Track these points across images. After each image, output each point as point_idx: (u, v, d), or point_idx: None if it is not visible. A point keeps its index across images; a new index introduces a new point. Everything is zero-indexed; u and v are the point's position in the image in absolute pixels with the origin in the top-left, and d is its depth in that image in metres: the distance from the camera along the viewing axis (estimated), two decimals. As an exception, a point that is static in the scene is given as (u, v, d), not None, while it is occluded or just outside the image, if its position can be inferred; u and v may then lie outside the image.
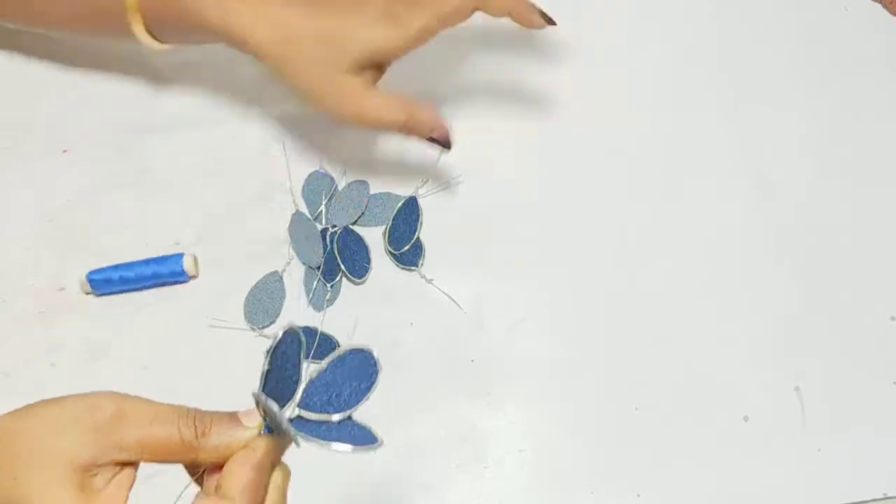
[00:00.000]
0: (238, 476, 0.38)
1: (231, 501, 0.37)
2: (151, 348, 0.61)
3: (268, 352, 0.39)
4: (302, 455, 0.58)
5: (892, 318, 0.64)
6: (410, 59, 0.70)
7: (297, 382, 0.40)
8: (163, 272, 0.62)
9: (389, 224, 0.65)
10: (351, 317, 0.62)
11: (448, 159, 0.67)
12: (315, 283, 0.63)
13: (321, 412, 0.40)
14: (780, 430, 0.60)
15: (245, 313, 0.62)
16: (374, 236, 0.65)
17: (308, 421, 0.40)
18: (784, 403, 0.61)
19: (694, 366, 0.62)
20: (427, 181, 0.66)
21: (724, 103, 0.71)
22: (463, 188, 0.67)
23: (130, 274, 0.62)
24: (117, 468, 0.38)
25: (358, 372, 0.42)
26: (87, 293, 0.63)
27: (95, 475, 0.37)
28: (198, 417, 0.39)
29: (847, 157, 0.70)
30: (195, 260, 0.63)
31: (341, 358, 0.41)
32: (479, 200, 0.67)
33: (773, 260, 0.66)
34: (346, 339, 0.62)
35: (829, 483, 0.59)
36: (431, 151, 0.65)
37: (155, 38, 0.61)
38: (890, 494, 0.59)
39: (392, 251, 0.64)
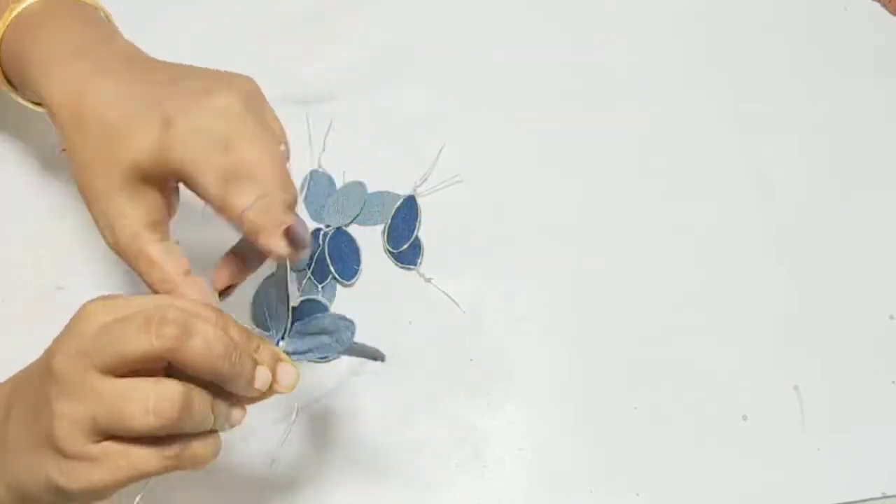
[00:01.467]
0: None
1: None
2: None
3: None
4: (301, 455, 0.59)
5: (891, 318, 0.64)
6: (410, 57, 0.71)
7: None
8: None
9: (388, 223, 0.65)
10: (349, 316, 0.62)
11: (447, 158, 0.67)
12: (304, 282, 0.63)
13: None
14: (779, 430, 0.60)
15: (253, 318, 0.62)
16: (372, 235, 0.65)
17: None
18: (783, 402, 0.61)
19: (693, 365, 0.62)
20: (426, 180, 0.66)
21: (724, 103, 0.71)
22: (462, 187, 0.67)
23: None
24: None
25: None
26: None
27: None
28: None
29: (846, 157, 0.70)
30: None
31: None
32: (478, 199, 0.66)
33: (772, 259, 0.66)
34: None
35: (827, 482, 0.59)
36: (430, 150, 0.66)
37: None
38: (889, 493, 0.59)
39: (391, 250, 0.64)
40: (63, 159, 0.67)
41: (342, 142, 0.68)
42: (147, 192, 0.47)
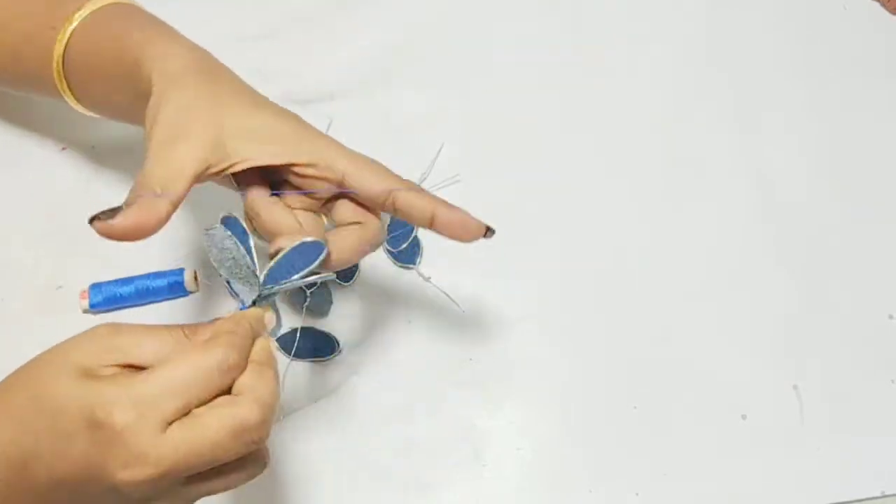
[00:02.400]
0: (219, 327, 0.42)
1: (215, 340, 0.41)
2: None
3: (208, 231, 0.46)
4: (299, 454, 0.59)
5: (891, 317, 0.64)
6: (409, 57, 0.71)
7: (252, 265, 0.47)
8: (161, 288, 0.62)
9: (387, 222, 0.65)
10: (348, 315, 0.62)
11: (446, 158, 0.67)
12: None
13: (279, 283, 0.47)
14: (778, 429, 0.60)
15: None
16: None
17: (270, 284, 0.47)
18: (782, 402, 0.61)
19: (692, 364, 0.62)
20: (425, 179, 0.66)
21: (724, 103, 0.71)
22: (461, 186, 0.67)
23: (131, 291, 0.62)
24: (121, 370, 0.40)
25: (307, 254, 0.47)
26: (85, 311, 0.62)
27: (102, 374, 0.39)
28: (185, 327, 0.42)
29: (846, 157, 0.70)
30: (195, 275, 0.63)
31: (293, 249, 0.47)
32: (477, 199, 0.66)
33: (771, 259, 0.66)
34: (345, 339, 0.62)
35: (827, 481, 0.59)
36: (429, 150, 0.66)
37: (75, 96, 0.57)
38: (888, 492, 0.59)
39: (390, 249, 0.64)
40: (63, 156, 0.67)
41: (342, 141, 0.67)
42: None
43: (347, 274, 0.63)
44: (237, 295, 0.47)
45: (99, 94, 0.56)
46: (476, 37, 0.72)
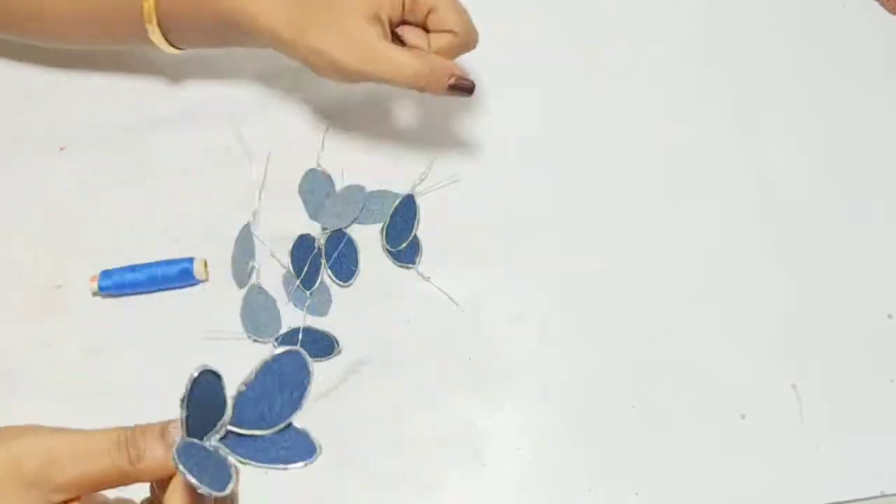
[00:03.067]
0: (174, 500, 0.37)
1: None
2: (148, 348, 0.61)
3: (182, 400, 0.36)
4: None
5: (890, 316, 0.64)
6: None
7: (223, 406, 0.38)
8: (172, 276, 0.62)
9: (387, 222, 0.65)
10: (347, 315, 0.62)
11: (446, 157, 0.67)
12: (293, 289, 0.63)
13: (254, 428, 0.39)
14: (777, 428, 0.60)
15: (244, 326, 0.62)
16: (371, 234, 0.65)
17: (242, 437, 0.38)
18: (781, 401, 0.61)
19: (691, 364, 0.62)
20: (425, 179, 0.66)
21: (724, 103, 0.71)
22: (461, 186, 0.67)
23: (141, 278, 0.62)
24: None
25: (290, 378, 0.39)
26: (95, 294, 0.62)
27: None
28: (131, 443, 0.38)
29: (846, 157, 0.70)
30: (205, 264, 0.63)
31: (269, 365, 0.39)
32: (477, 198, 0.67)
33: (770, 258, 0.66)
34: (347, 340, 0.62)
35: (826, 480, 0.59)
36: (429, 149, 0.66)
37: (170, 42, 0.62)
38: (887, 492, 0.59)
39: (389, 249, 0.64)
40: (62, 156, 0.67)
41: (341, 140, 0.68)
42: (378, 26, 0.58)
43: (346, 275, 0.63)
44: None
45: (196, 40, 0.63)
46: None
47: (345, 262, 0.63)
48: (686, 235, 0.66)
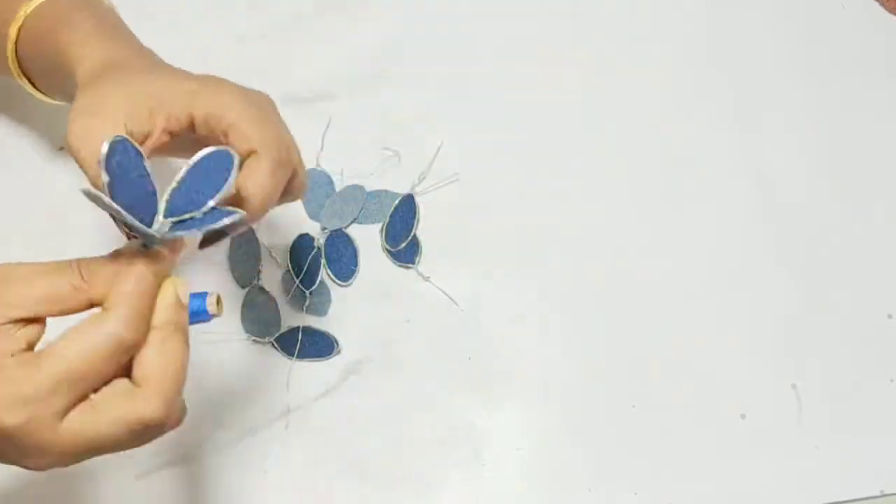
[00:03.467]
0: (115, 288, 0.38)
1: (109, 312, 0.37)
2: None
3: (101, 161, 0.39)
4: (297, 454, 0.59)
5: (890, 316, 0.64)
6: (408, 57, 0.71)
7: (154, 194, 0.40)
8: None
9: (386, 221, 0.65)
10: (347, 315, 0.62)
11: (445, 157, 0.67)
12: (293, 288, 0.63)
13: (185, 212, 0.40)
14: (777, 428, 0.60)
15: (244, 326, 0.62)
16: (370, 234, 0.65)
17: (176, 224, 0.40)
18: (781, 401, 0.61)
19: (691, 363, 0.62)
20: (424, 179, 0.66)
21: (723, 103, 0.71)
22: (460, 186, 0.67)
23: None
24: (20, 325, 0.38)
25: (216, 169, 0.41)
26: None
27: None
28: (81, 264, 0.39)
29: (845, 156, 0.70)
30: (219, 300, 0.59)
31: (198, 162, 0.41)
32: (476, 198, 0.67)
33: (771, 258, 0.66)
34: (346, 340, 0.62)
35: (826, 480, 0.59)
36: (428, 149, 0.66)
37: (39, 89, 0.57)
38: (887, 492, 0.59)
39: (389, 249, 0.64)
40: (63, 158, 0.67)
41: (341, 140, 0.68)
42: None
43: (346, 275, 0.63)
44: (136, 231, 0.40)
45: (50, 84, 0.56)
46: (475, 36, 0.72)
47: (344, 261, 0.64)
48: (686, 235, 0.66)
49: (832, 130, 0.71)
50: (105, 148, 0.39)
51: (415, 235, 0.65)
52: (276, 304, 0.62)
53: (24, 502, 0.57)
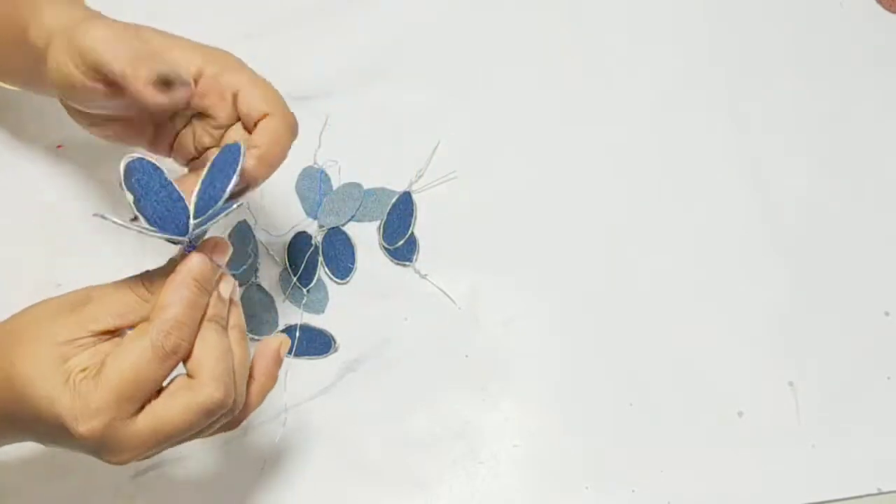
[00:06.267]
0: (163, 294, 0.42)
1: (149, 323, 0.41)
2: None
3: (120, 183, 0.41)
4: (294, 452, 0.59)
5: (887, 314, 0.64)
6: (406, 54, 0.71)
7: (180, 199, 0.43)
8: None
9: (384, 219, 0.65)
10: (344, 313, 0.63)
11: (443, 154, 0.67)
12: (290, 286, 0.63)
13: (208, 208, 0.43)
14: (774, 426, 0.60)
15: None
16: (368, 232, 0.65)
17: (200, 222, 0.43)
18: (778, 399, 0.61)
19: (689, 361, 0.62)
20: (422, 176, 0.67)
21: (721, 100, 0.71)
22: (458, 183, 0.67)
23: None
24: (102, 338, 0.42)
25: (227, 162, 0.44)
26: None
27: (80, 347, 0.41)
28: (144, 277, 0.44)
29: (844, 156, 0.70)
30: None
31: (215, 160, 0.44)
32: (474, 196, 0.67)
33: (768, 257, 0.66)
34: (344, 338, 0.62)
35: (822, 478, 0.59)
36: (426, 147, 0.66)
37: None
38: (884, 489, 0.59)
39: (386, 246, 0.64)
40: (63, 157, 0.67)
41: (338, 138, 0.68)
42: None
43: (343, 272, 0.63)
44: (174, 239, 0.43)
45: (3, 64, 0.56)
46: (474, 35, 0.72)
47: (342, 259, 0.64)
48: (684, 233, 0.66)
49: (830, 129, 0.71)
50: (122, 168, 0.42)
51: (412, 233, 0.65)
52: (274, 302, 0.62)
53: (24, 502, 0.57)
